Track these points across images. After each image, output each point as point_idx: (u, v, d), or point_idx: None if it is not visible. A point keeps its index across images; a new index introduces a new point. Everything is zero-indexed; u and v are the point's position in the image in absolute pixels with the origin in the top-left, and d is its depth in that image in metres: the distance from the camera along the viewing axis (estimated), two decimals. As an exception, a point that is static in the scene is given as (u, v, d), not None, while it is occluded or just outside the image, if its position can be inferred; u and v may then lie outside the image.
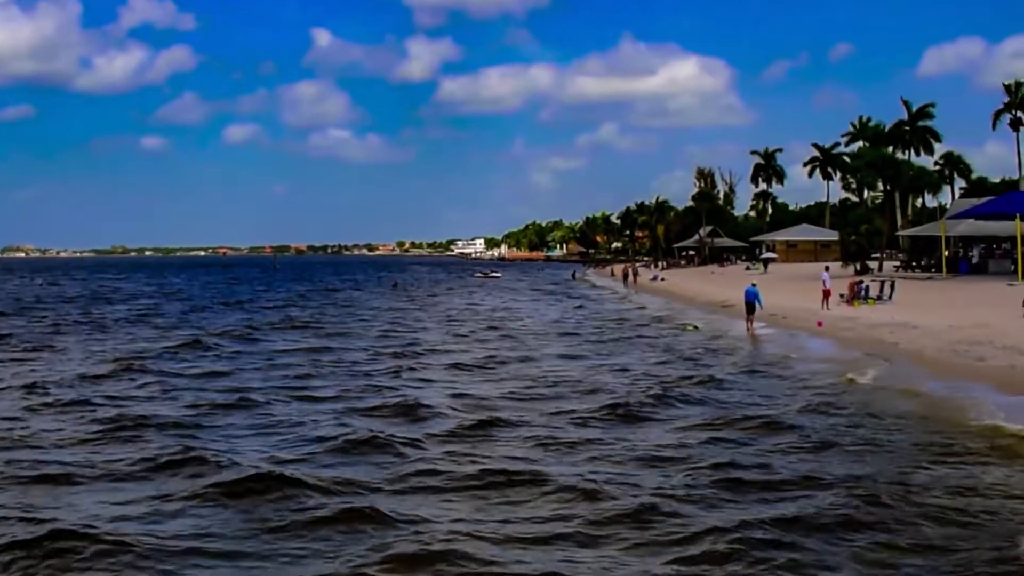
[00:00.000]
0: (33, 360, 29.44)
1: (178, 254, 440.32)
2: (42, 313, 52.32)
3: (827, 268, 43.25)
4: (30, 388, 22.49)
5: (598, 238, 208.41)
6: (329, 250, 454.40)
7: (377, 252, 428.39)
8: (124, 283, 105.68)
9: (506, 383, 23.77)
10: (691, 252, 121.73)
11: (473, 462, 14.71)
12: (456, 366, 27.55)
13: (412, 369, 26.74)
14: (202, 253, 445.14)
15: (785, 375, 24.41)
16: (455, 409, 19.62)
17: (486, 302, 63.42)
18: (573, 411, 19.23)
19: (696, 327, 38.45)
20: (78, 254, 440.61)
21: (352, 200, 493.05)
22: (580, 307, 55.34)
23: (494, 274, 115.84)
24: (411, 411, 19.26)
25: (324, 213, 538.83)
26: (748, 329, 35.58)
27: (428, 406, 19.67)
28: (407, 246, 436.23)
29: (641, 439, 16.43)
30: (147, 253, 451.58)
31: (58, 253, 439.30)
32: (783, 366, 26.06)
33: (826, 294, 40.05)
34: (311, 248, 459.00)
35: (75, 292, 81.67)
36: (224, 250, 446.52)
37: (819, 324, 34.53)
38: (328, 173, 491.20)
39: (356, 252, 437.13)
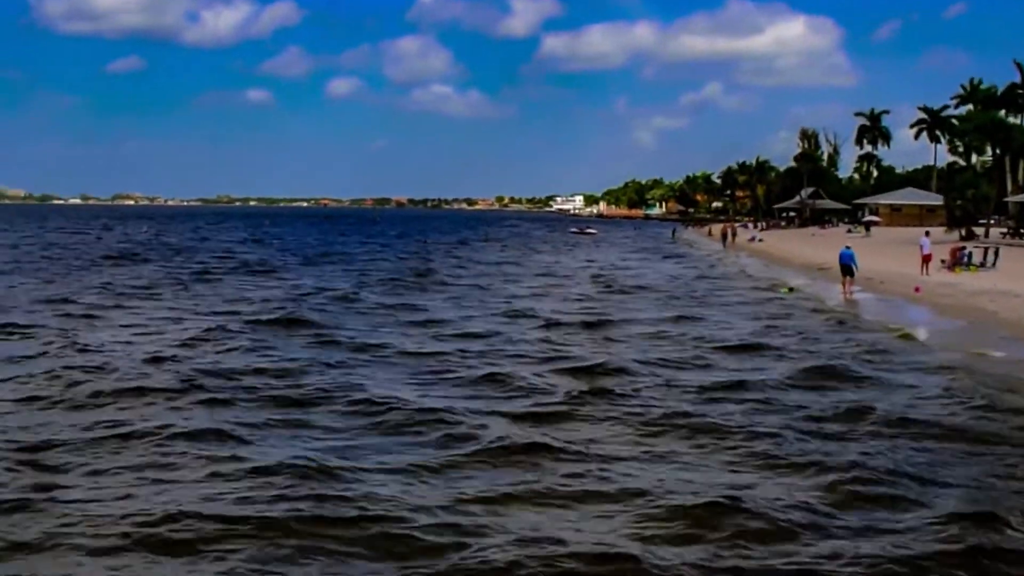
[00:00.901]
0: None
1: (281, 204, 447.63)
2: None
3: (927, 233, 42.42)
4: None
5: (698, 197, 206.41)
6: (429, 204, 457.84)
7: (476, 207, 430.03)
8: (227, 233, 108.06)
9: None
10: (791, 213, 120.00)
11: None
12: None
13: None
14: (304, 204, 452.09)
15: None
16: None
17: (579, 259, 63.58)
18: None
19: (791, 289, 38.23)
20: (185, 203, 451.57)
21: (452, 155, 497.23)
22: (677, 263, 55.34)
23: (589, 230, 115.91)
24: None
25: (424, 167, 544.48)
26: (844, 292, 35.08)
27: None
28: (506, 201, 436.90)
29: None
30: (251, 203, 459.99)
31: (166, 201, 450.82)
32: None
33: (926, 259, 39.34)
34: (411, 201, 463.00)
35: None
36: (326, 201, 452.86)
37: (917, 290, 34.01)
38: (429, 128, 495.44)
39: (455, 206, 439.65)
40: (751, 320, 28.46)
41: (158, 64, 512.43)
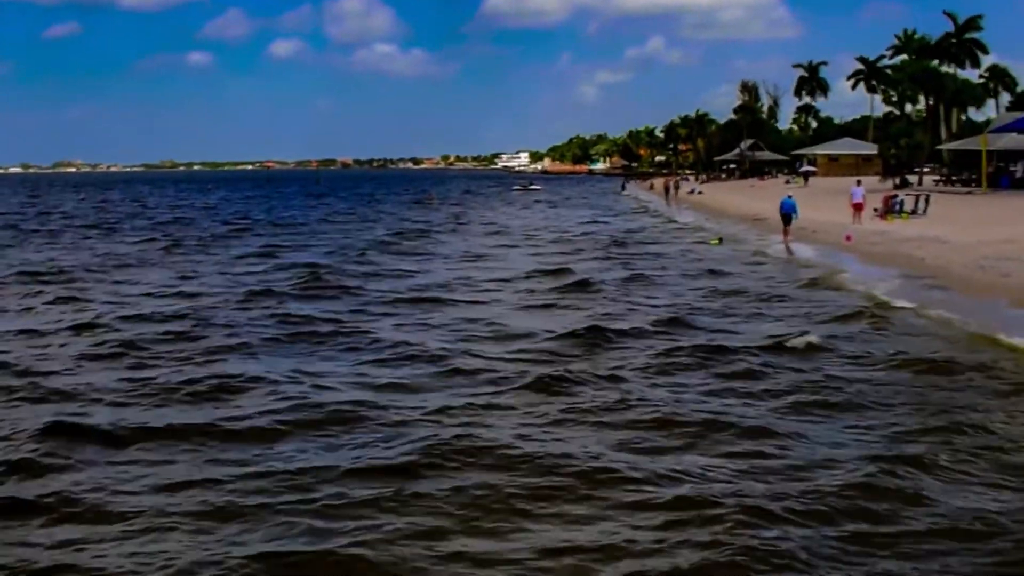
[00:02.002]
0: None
1: (226, 168, 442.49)
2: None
3: (859, 182, 42.74)
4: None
5: (641, 152, 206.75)
6: (375, 164, 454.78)
7: (422, 166, 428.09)
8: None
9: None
10: (732, 165, 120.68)
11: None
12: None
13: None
14: (249, 167, 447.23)
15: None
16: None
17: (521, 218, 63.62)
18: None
19: (719, 240, 38.51)
20: (128, 169, 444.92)
21: (397, 114, 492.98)
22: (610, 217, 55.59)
23: (533, 187, 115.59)
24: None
25: (369, 127, 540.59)
26: (784, 241, 35.39)
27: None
28: (452, 160, 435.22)
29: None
30: (195, 167, 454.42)
31: (108, 168, 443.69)
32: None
33: (857, 207, 39.72)
34: (357, 162, 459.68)
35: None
36: (270, 164, 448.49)
37: (847, 238, 34.29)
38: (373, 88, 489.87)
39: (401, 166, 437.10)
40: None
41: (96, 29, 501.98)
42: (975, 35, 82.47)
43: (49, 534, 8.75)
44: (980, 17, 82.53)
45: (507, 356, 16.33)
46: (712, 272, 28.31)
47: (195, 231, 49.87)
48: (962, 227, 33.96)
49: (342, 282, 27.00)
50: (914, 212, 41.88)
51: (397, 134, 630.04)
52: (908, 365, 15.09)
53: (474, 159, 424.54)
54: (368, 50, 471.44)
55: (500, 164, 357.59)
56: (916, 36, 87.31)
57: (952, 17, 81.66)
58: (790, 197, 37.12)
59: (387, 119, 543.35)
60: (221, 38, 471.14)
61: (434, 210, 71.90)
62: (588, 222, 54.75)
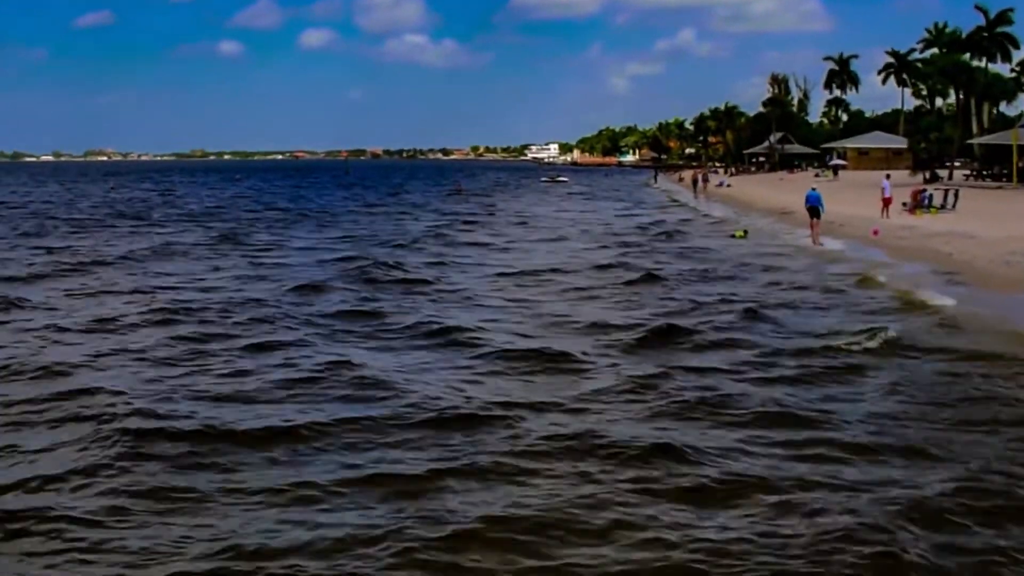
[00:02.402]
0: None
1: (256, 158, 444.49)
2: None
3: (888, 176, 42.83)
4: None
5: (671, 144, 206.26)
6: (404, 154, 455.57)
7: (452, 157, 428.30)
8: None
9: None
10: (761, 158, 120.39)
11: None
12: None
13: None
14: (279, 157, 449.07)
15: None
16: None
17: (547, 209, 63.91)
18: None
19: (744, 232, 38.76)
20: (159, 158, 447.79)
21: (427, 105, 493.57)
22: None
23: (560, 179, 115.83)
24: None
25: (399, 118, 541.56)
26: (812, 235, 34.84)
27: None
28: (481, 151, 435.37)
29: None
30: (226, 157, 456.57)
31: (139, 157, 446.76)
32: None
33: (886, 202, 39.79)
34: (387, 152, 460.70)
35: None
36: (301, 153, 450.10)
37: (875, 232, 34.49)
38: (403, 78, 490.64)
39: (431, 156, 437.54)
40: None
41: (128, 17, 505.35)
42: (1007, 29, 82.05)
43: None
44: (1011, 11, 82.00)
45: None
46: (743, 265, 28.67)
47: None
48: (991, 222, 33.93)
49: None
50: (943, 207, 41.83)
51: (427, 125, 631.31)
52: (976, 358, 15.29)
53: (503, 150, 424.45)
54: (398, 40, 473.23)
55: (529, 156, 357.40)
56: (947, 30, 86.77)
57: (984, 11, 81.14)
58: (815, 190, 36.48)
59: (417, 109, 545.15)
60: (252, 27, 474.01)
61: (464, 201, 72.42)
62: (622, 215, 55.01)
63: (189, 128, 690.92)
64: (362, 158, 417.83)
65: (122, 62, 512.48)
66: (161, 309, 20.53)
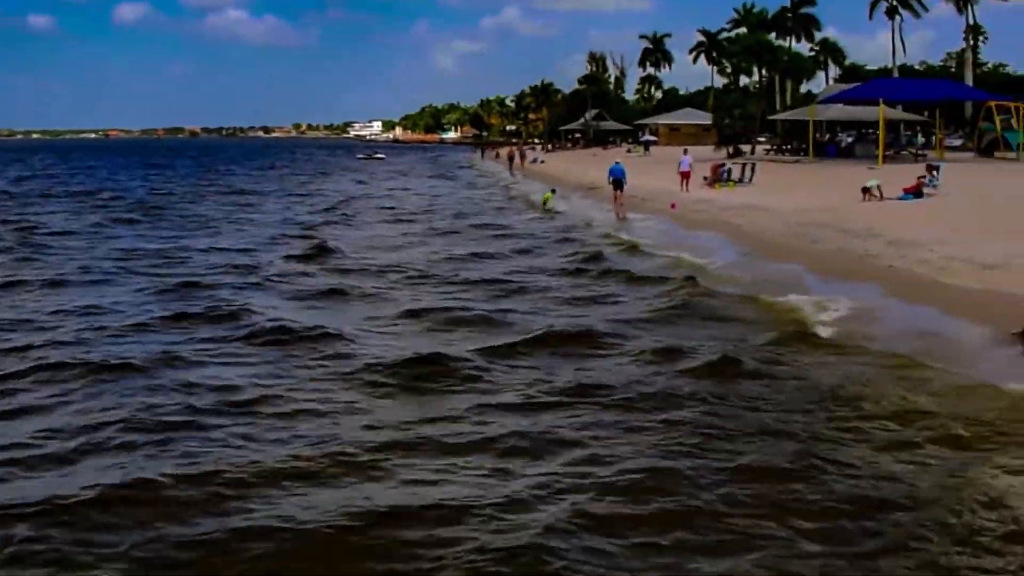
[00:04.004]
0: None
1: (67, 136, 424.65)
2: None
3: (686, 151, 43.60)
4: None
5: (492, 121, 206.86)
6: (224, 132, 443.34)
7: (274, 135, 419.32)
8: None
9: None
10: (577, 135, 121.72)
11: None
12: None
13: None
14: (92, 136, 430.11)
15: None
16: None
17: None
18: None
19: (553, 192, 40.65)
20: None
21: (249, 82, 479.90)
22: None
23: (377, 155, 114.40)
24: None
25: (219, 95, 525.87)
26: (615, 206, 35.92)
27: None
28: (304, 128, 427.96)
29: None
30: (34, 136, 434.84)
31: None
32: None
33: (684, 176, 40.47)
34: (206, 131, 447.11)
35: None
36: (114, 132, 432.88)
37: (672, 206, 34.86)
38: (224, 55, 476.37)
39: (252, 135, 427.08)
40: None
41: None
42: (810, 10, 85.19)
43: None
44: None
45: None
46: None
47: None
48: (785, 195, 34.86)
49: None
50: (741, 181, 42.75)
51: (248, 102, 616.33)
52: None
53: (327, 128, 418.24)
54: (219, 15, 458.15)
55: (353, 133, 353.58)
56: (755, 10, 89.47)
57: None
58: (619, 163, 37.57)
59: (238, 87, 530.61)
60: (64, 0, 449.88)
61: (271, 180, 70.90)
62: (430, 193, 54.58)
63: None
64: (179, 136, 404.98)
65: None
66: None
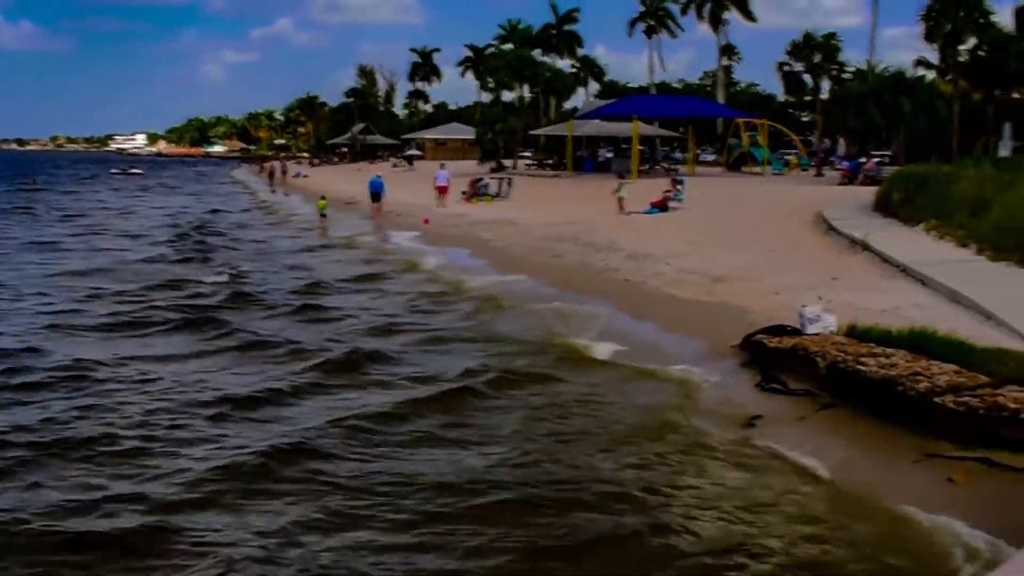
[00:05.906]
0: None
1: None
2: None
3: (442, 165, 43.61)
4: None
5: (261, 134, 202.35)
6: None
7: (29, 148, 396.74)
8: None
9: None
10: (344, 149, 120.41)
11: None
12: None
13: None
14: None
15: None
16: None
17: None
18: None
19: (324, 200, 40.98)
20: None
21: (2, 91, 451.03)
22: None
23: (134, 171, 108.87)
24: None
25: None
26: (375, 215, 37.80)
27: None
28: (62, 141, 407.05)
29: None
30: None
31: None
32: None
33: (441, 191, 40.31)
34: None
35: None
36: None
37: (425, 221, 34.49)
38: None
39: (5, 147, 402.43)
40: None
41: None
42: (573, 28, 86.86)
43: None
44: (577, 11, 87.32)
45: None
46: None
47: None
48: (538, 209, 35.27)
49: None
50: (498, 195, 42.90)
51: (0, 112, 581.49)
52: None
53: (86, 140, 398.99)
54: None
55: (114, 146, 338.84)
56: (520, 27, 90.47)
57: (554, 9, 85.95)
58: (378, 176, 39.35)
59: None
60: None
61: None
62: (175, 210, 52.24)
63: None
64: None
65: None
66: None
